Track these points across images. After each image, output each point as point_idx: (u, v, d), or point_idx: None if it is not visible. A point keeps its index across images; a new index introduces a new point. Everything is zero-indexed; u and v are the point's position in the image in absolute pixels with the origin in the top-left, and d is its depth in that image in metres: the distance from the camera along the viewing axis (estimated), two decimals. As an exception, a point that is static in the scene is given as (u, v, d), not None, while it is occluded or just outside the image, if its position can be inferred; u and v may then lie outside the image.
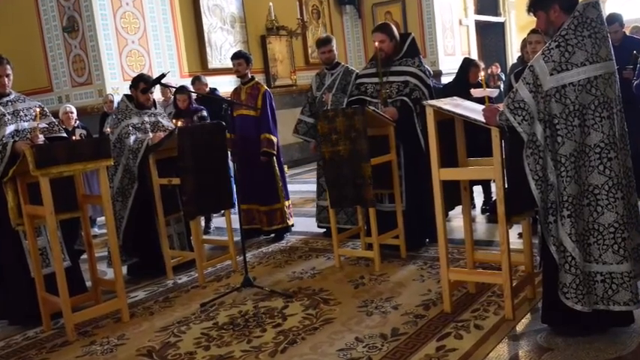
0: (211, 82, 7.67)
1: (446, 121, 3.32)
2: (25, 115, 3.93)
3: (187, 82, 7.62)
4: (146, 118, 4.75)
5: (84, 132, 6.67)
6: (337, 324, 3.37)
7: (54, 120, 4.16)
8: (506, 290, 3.18)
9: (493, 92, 5.17)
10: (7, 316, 3.93)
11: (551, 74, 2.67)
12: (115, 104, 6.68)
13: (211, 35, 9.75)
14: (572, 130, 2.67)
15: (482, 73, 5.49)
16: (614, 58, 2.75)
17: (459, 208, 3.74)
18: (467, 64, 5.86)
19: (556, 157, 2.71)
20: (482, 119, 3.00)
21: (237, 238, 4.56)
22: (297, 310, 3.63)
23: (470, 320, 3.22)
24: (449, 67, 11.50)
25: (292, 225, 5.63)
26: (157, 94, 5.64)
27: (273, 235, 5.59)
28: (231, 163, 5.27)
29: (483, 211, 5.78)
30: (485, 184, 5.68)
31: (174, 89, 6.29)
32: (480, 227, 5.39)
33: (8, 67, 3.89)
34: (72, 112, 6.74)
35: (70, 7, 8.32)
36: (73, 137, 6.26)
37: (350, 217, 5.12)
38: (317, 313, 3.57)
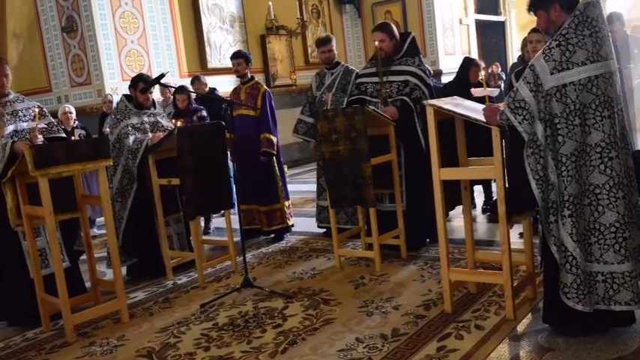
0: (211, 81, 7.66)
1: (446, 120, 3.31)
2: (24, 116, 3.92)
3: (187, 82, 7.61)
4: (145, 118, 4.74)
5: (83, 132, 6.66)
6: (337, 324, 3.36)
7: (53, 120, 4.15)
8: (507, 290, 3.17)
9: (493, 92, 5.18)
10: (7, 317, 3.92)
11: (552, 73, 2.66)
12: (114, 104, 6.67)
13: (211, 35, 9.74)
14: (572, 129, 2.66)
15: (482, 73, 5.49)
16: (615, 57, 2.75)
17: (459, 208, 3.73)
18: (467, 64, 5.85)
19: (557, 157, 2.70)
20: (483, 119, 3.00)
21: (237, 238, 4.55)
22: (297, 311, 3.62)
23: (471, 320, 3.21)
24: (449, 67, 11.50)
25: (292, 225, 5.62)
26: (156, 94, 5.63)
27: (273, 235, 5.58)
28: (230, 163, 5.26)
29: (484, 211, 5.77)
30: (486, 184, 5.67)
31: (173, 89, 6.28)
32: (480, 227, 5.38)
33: (7, 67, 3.89)
34: (71, 113, 6.73)
35: (68, 7, 8.31)
36: (72, 137, 6.24)
37: (350, 217, 5.11)
38: (317, 313, 3.56)
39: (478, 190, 5.83)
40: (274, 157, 5.47)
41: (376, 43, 4.50)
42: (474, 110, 3.18)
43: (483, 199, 5.82)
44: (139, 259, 4.71)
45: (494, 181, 3.29)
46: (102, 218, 5.22)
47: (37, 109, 3.92)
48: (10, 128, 3.83)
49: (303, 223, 5.90)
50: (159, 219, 4.58)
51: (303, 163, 10.68)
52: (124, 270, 4.50)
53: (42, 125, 3.96)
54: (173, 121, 4.98)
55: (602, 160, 2.66)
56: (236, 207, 4.94)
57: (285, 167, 7.09)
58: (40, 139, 3.80)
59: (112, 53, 8.31)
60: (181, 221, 4.85)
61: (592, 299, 2.71)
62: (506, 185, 3.03)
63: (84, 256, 4.15)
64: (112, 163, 3.87)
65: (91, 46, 8.22)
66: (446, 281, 3.34)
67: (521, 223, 3.52)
